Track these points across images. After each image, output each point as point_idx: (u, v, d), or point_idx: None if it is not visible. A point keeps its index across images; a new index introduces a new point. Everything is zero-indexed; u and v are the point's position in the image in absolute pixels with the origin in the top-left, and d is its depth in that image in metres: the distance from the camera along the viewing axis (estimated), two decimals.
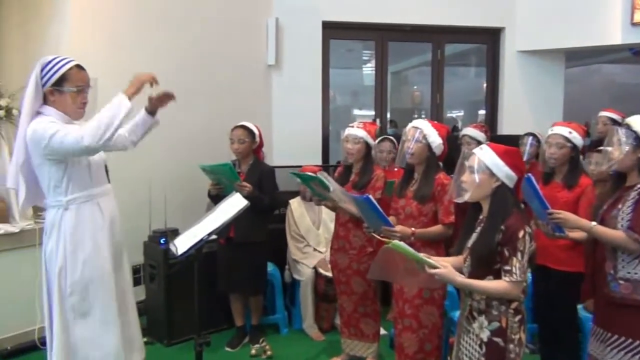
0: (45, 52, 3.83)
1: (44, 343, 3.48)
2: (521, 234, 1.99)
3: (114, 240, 2.55)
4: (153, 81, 2.52)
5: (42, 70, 2.34)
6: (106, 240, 2.49)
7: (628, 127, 2.33)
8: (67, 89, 2.37)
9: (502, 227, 2.02)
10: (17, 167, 2.36)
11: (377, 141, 3.67)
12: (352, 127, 3.23)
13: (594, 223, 2.37)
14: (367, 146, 3.21)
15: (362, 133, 3.17)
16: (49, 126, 2.30)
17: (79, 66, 2.41)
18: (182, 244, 2.54)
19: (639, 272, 2.29)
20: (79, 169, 2.43)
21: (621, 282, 2.32)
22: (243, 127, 3.61)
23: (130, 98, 2.40)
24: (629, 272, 2.31)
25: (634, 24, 5.11)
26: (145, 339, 3.61)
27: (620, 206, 2.35)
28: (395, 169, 3.70)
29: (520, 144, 4.24)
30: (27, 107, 2.33)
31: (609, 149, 2.39)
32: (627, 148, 2.30)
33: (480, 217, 2.16)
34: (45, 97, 2.37)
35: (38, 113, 2.36)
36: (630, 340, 2.29)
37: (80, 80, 2.41)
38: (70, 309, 2.41)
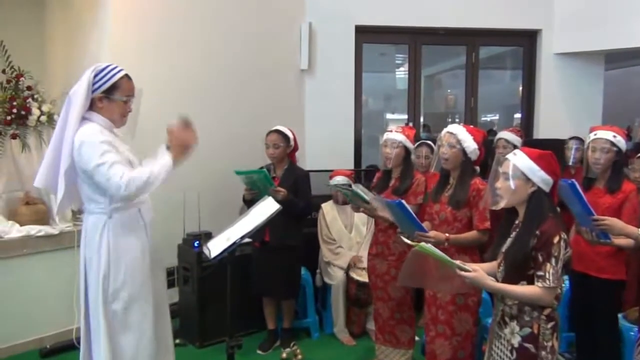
0: (87, 60, 3.98)
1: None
2: (556, 239, 1.95)
3: (153, 245, 2.59)
4: (195, 141, 2.53)
5: (95, 76, 2.38)
6: (146, 246, 2.53)
7: None
8: (117, 98, 2.43)
9: (537, 232, 1.98)
10: (62, 171, 2.38)
11: (415, 146, 3.64)
12: (391, 131, 3.20)
13: None
14: (406, 150, 3.17)
15: (400, 137, 3.14)
16: (98, 150, 2.32)
17: (128, 76, 2.47)
18: (215, 247, 2.57)
19: None
20: None
21: None
22: (278, 131, 3.64)
23: (175, 163, 2.44)
24: None
25: None
26: (177, 341, 3.68)
27: None
28: (431, 171, 3.65)
29: (566, 148, 4.10)
30: (77, 112, 2.35)
31: None
32: None
33: (516, 222, 2.13)
34: (92, 103, 2.42)
35: (83, 119, 2.40)
36: None
37: (129, 90, 2.47)
38: (114, 315, 2.44)
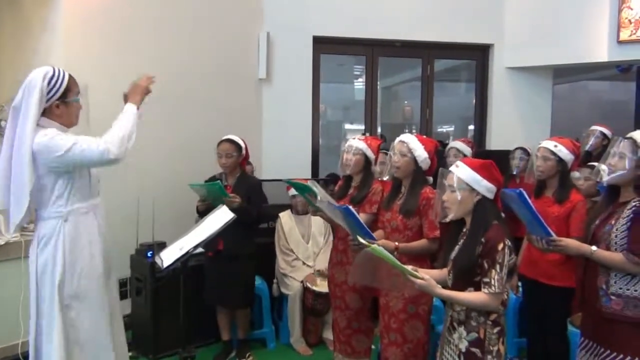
0: (36, 63, 3.83)
1: (27, 357, 3.45)
2: (500, 246, 2.02)
3: (105, 251, 2.55)
4: (150, 82, 2.60)
5: (48, 84, 2.32)
6: (100, 251, 2.50)
7: (634, 142, 2.31)
8: (72, 100, 2.40)
9: (482, 239, 2.04)
10: (27, 188, 2.30)
11: None
12: (354, 139, 3.23)
13: (594, 248, 2.35)
14: (367, 159, 3.19)
15: (362, 145, 3.16)
16: (62, 138, 2.31)
17: (71, 75, 2.43)
18: (167, 257, 2.55)
19: (631, 289, 2.30)
20: (81, 180, 2.43)
21: (613, 297, 2.32)
22: (230, 141, 3.62)
23: (138, 107, 2.49)
24: (620, 288, 2.31)
25: (619, 42, 5.21)
26: (130, 354, 3.57)
27: (613, 222, 2.35)
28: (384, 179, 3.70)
29: (511, 158, 4.28)
30: (31, 125, 2.28)
31: (604, 165, 2.39)
32: (631, 163, 2.29)
33: (464, 229, 2.19)
34: (45, 111, 2.35)
35: (37, 125, 2.34)
36: (621, 356, 2.30)
37: (77, 88, 2.44)
38: (70, 320, 2.40)
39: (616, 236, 2.31)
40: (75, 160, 2.33)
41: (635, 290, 2.29)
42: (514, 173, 4.27)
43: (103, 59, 3.98)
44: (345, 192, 3.27)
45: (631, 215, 2.28)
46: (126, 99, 2.58)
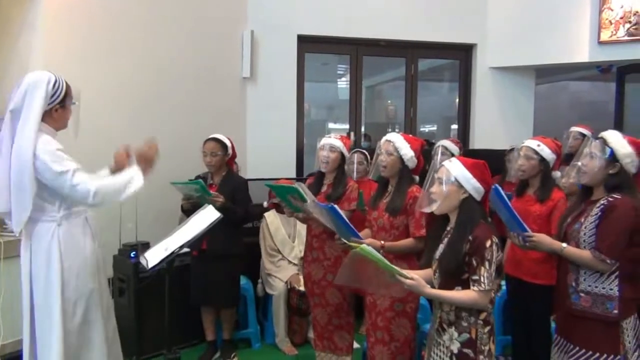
0: (16, 62, 3.79)
1: (9, 359, 3.39)
2: (488, 243, 2.02)
3: (98, 254, 2.56)
4: (156, 151, 2.68)
5: (53, 88, 2.36)
6: (94, 254, 2.51)
7: (604, 141, 2.36)
8: (68, 104, 2.45)
9: (470, 237, 2.05)
10: (30, 192, 2.29)
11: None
12: (329, 137, 3.26)
13: (564, 245, 2.40)
14: (342, 157, 3.23)
15: (338, 143, 3.20)
16: (56, 157, 2.31)
17: (66, 81, 2.47)
18: (152, 257, 2.52)
19: (599, 286, 2.34)
20: None
21: (582, 294, 2.37)
22: (215, 139, 3.61)
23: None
24: (589, 286, 2.35)
25: (600, 43, 5.28)
26: None
27: (582, 220, 2.39)
28: (368, 178, 3.72)
29: (507, 159, 4.26)
30: (35, 129, 2.29)
31: (579, 163, 2.43)
32: (601, 162, 2.33)
33: (448, 228, 2.19)
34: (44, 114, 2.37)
35: None
36: (590, 353, 2.33)
37: (72, 92, 2.48)
38: (69, 322, 2.40)
39: (585, 234, 2.35)
40: (56, 185, 2.32)
41: (604, 288, 2.33)
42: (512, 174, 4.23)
43: (85, 59, 3.92)
44: (318, 190, 3.28)
45: (599, 214, 2.33)
46: (124, 155, 2.63)
